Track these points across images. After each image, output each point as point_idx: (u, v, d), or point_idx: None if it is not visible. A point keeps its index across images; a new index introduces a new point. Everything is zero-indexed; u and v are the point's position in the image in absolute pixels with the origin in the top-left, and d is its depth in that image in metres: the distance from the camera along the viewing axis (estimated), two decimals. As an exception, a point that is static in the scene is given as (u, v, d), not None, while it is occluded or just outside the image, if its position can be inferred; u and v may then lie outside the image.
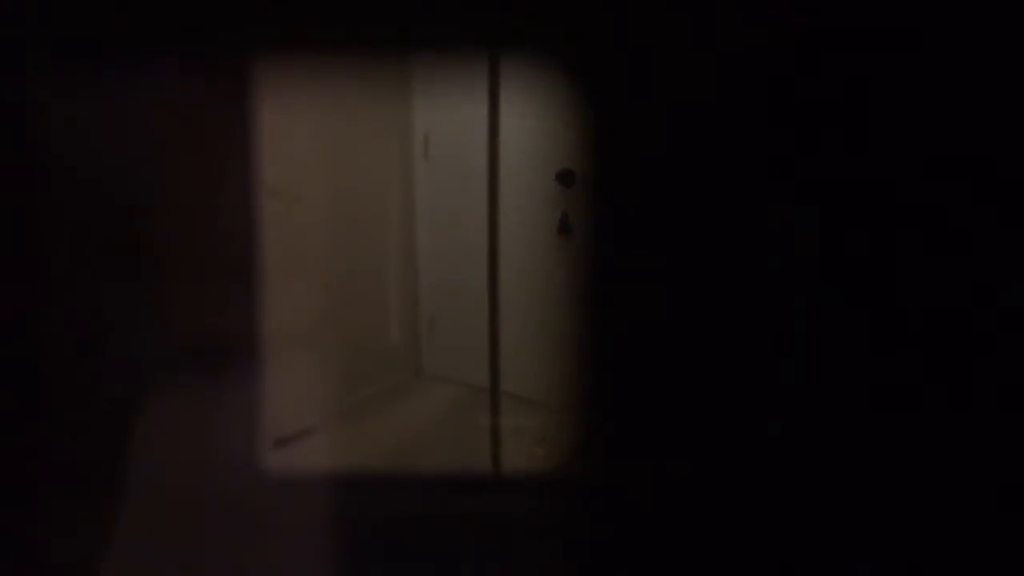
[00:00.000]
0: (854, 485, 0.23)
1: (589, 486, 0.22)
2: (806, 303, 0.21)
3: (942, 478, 0.22)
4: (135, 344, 0.22)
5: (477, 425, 2.26)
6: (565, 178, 2.47)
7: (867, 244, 0.20)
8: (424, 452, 2.42)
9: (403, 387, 2.89)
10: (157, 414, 0.24)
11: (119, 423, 0.23)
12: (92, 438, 0.23)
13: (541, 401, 2.71)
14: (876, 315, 0.21)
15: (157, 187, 0.23)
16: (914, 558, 0.23)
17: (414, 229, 2.82)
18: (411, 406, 2.77)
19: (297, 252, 1.55)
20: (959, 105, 0.21)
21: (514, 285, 2.39)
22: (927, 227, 0.21)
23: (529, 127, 2.46)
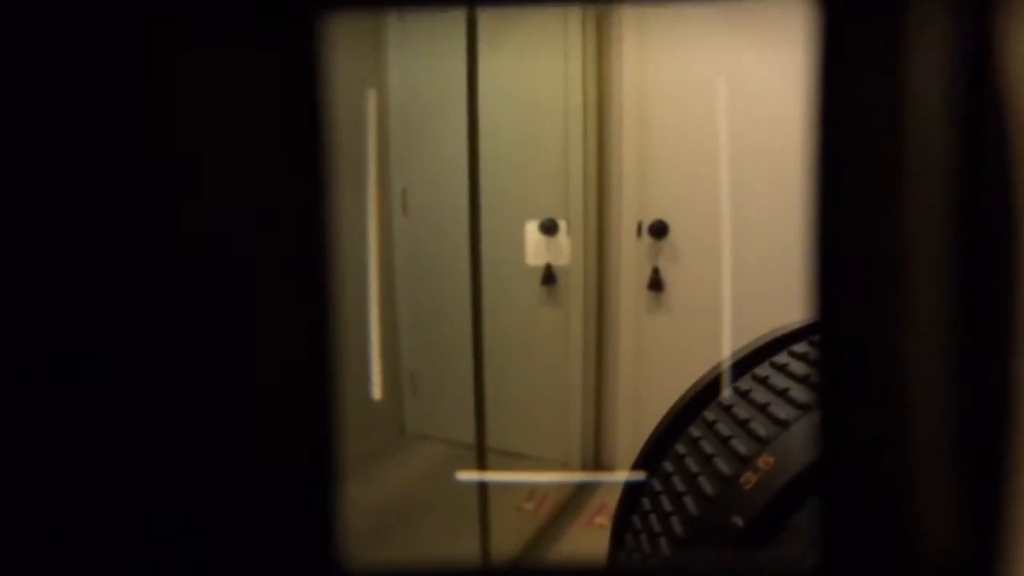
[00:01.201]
0: None
1: None
2: None
3: None
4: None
5: (463, 482, 2.23)
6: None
7: None
8: (411, 512, 2.37)
9: (387, 446, 2.85)
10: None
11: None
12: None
13: (528, 456, 2.68)
14: None
15: None
16: None
17: (394, 284, 2.81)
18: (396, 465, 2.73)
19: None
20: None
21: (498, 339, 2.38)
22: None
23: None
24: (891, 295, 0.21)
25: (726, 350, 0.63)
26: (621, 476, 0.62)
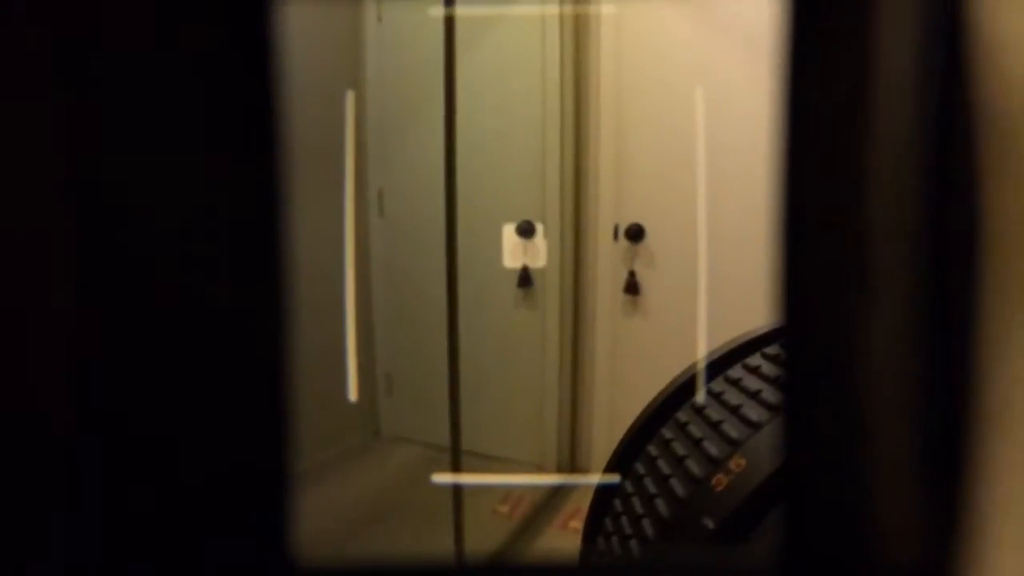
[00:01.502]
0: None
1: None
2: None
3: None
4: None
5: (437, 485, 2.22)
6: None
7: None
8: (385, 514, 2.35)
9: (362, 448, 2.83)
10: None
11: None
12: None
13: (503, 458, 2.67)
14: None
15: None
16: None
17: (370, 286, 2.80)
18: (370, 467, 2.71)
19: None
20: None
21: (474, 341, 2.37)
22: None
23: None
24: (855, 299, 0.20)
25: (702, 354, 0.63)
26: (595, 479, 0.62)
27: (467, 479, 2.18)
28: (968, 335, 0.20)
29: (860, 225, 0.20)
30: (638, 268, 2.43)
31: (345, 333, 2.44)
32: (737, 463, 0.46)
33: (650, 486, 0.53)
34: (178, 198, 0.19)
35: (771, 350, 0.56)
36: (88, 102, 0.19)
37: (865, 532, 0.20)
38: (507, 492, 2.47)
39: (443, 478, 2.17)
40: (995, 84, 0.19)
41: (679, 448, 0.53)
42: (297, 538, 0.19)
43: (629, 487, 0.56)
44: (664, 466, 0.53)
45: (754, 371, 0.55)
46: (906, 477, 0.20)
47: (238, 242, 0.19)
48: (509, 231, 2.42)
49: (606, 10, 2.40)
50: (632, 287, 2.44)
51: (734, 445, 0.48)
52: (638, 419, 0.59)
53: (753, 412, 0.49)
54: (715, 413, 0.52)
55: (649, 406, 0.60)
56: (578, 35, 2.43)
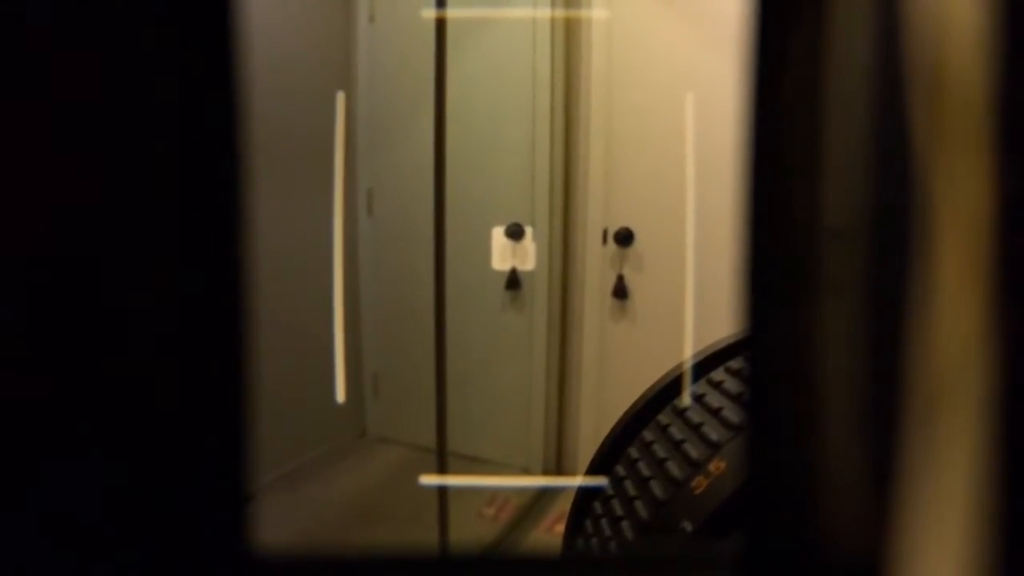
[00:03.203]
0: None
1: None
2: None
3: None
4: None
5: (423, 486, 2.21)
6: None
7: None
8: (371, 515, 2.35)
9: (348, 448, 2.82)
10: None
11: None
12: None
13: (490, 461, 2.67)
14: None
15: None
16: None
17: (358, 285, 2.79)
18: (356, 468, 2.70)
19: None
20: None
21: (462, 343, 2.37)
22: None
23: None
24: (812, 298, 0.20)
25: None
26: (580, 481, 0.62)
27: (453, 481, 2.17)
28: (907, 335, 0.20)
29: (817, 224, 0.20)
30: (626, 272, 2.43)
31: (333, 333, 2.44)
32: (717, 465, 0.46)
33: (630, 488, 0.53)
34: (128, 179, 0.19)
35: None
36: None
37: (816, 525, 0.20)
38: (493, 495, 2.46)
39: (429, 480, 2.17)
40: (933, 78, 0.19)
41: (660, 450, 0.52)
42: (256, 529, 0.19)
43: (610, 489, 0.56)
44: (645, 468, 0.53)
45: (736, 374, 0.55)
46: (853, 472, 0.20)
47: (199, 226, 0.19)
48: (498, 233, 2.42)
49: (597, 14, 2.40)
50: (620, 291, 2.44)
51: (714, 447, 0.48)
52: (619, 421, 0.59)
53: (734, 415, 0.49)
54: (696, 415, 0.52)
55: (631, 408, 0.60)
56: (569, 39, 2.43)
